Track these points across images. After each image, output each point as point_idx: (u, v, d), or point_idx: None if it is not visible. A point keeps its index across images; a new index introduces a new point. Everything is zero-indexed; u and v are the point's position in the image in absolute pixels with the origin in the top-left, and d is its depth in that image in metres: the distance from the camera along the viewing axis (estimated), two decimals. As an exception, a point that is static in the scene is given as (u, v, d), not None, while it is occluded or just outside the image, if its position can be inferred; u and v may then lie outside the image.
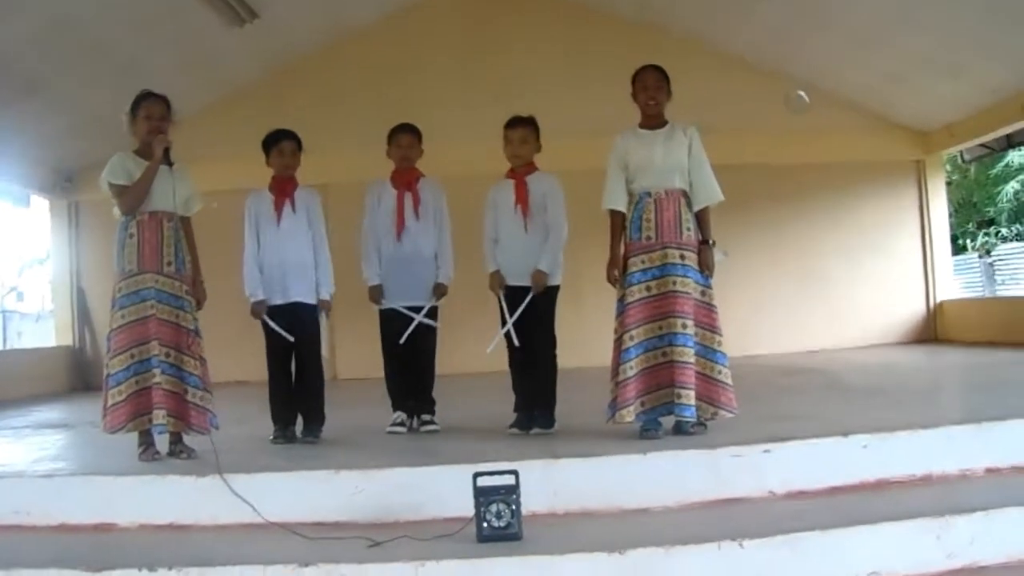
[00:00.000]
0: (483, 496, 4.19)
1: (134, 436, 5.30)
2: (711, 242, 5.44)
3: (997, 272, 18.88)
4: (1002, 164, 20.63)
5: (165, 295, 5.32)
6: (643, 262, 5.34)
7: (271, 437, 5.88)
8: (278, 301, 5.92)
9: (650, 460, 4.78)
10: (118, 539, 4.54)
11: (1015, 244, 20.36)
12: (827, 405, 6.57)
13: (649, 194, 5.38)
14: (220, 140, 11.56)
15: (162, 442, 5.37)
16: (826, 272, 12.93)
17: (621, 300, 5.42)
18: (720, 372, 5.34)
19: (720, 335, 5.38)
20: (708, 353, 5.33)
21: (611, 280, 5.48)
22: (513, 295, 5.84)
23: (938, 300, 13.26)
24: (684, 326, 5.24)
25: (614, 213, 5.47)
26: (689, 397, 5.21)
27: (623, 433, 5.36)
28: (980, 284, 18.86)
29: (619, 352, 5.34)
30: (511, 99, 11.50)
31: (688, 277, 5.31)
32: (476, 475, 4.24)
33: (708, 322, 5.36)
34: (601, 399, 5.59)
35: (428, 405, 6.24)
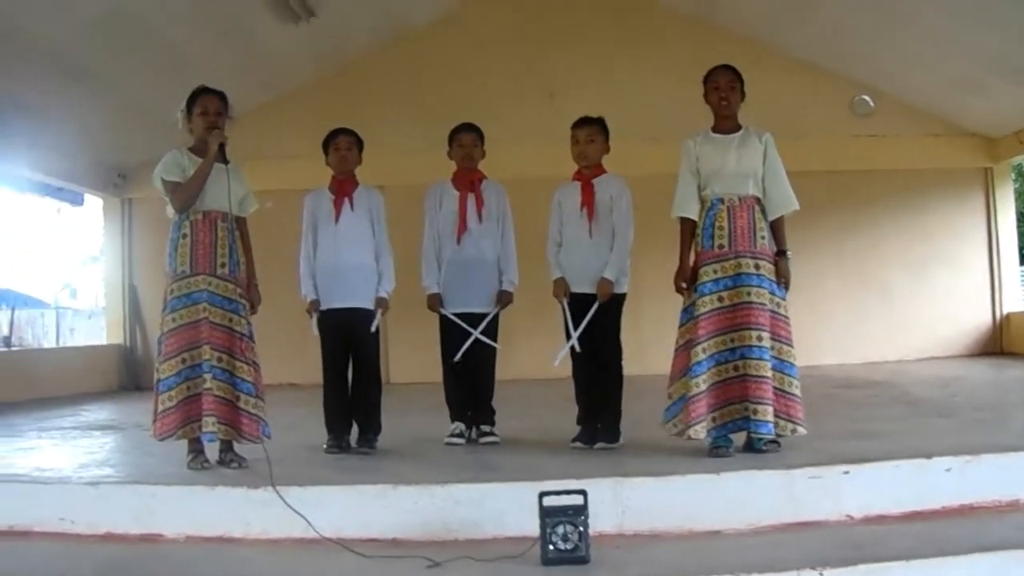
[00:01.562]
0: (549, 517, 3.97)
1: (183, 443, 5.14)
2: (787, 253, 5.18)
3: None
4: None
5: (218, 298, 5.15)
6: (715, 271, 5.10)
7: (325, 446, 5.69)
8: (335, 304, 5.74)
9: (723, 480, 4.54)
10: (164, 551, 4.38)
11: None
12: (901, 422, 6.25)
13: (722, 201, 5.14)
14: (274, 140, 11.50)
15: (212, 450, 5.21)
16: (889, 281, 12.56)
17: (688, 310, 5.18)
18: (794, 385, 5.09)
19: (793, 347, 5.13)
20: (782, 366, 5.08)
21: (678, 290, 5.24)
22: (578, 302, 5.61)
23: (1005, 312, 12.81)
24: (760, 339, 4.99)
25: (684, 220, 5.23)
26: (767, 413, 4.96)
27: (692, 449, 5.13)
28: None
29: (685, 364, 5.10)
30: (568, 98, 11.58)
31: (763, 288, 5.06)
32: (542, 494, 4.01)
33: (781, 333, 5.11)
34: (656, 413, 5.35)
35: (488, 415, 6.02)
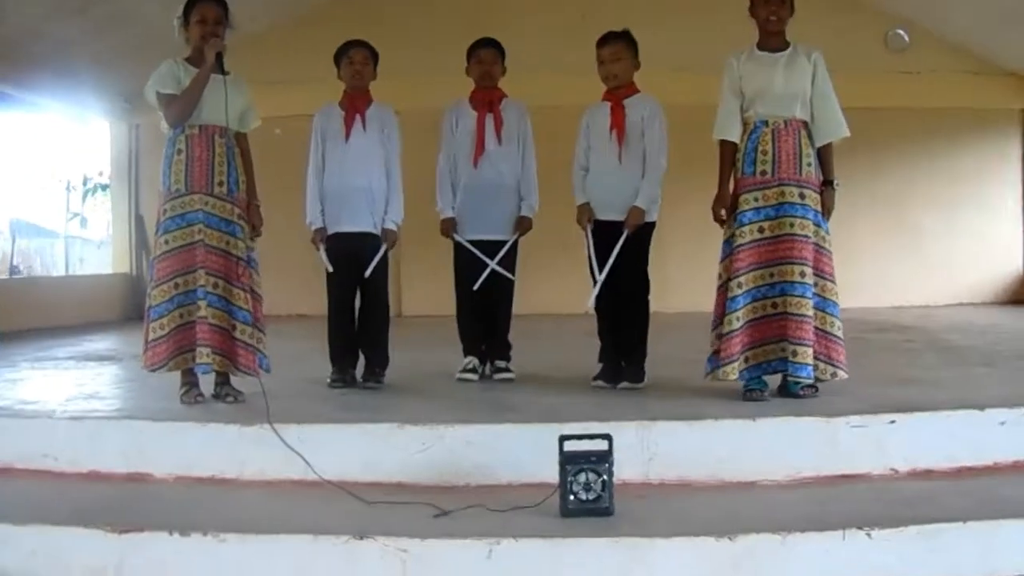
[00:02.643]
0: (570, 464, 3.60)
1: (176, 375, 4.79)
2: (835, 182, 4.76)
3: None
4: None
5: (215, 219, 4.75)
6: (756, 200, 4.67)
7: (328, 380, 5.33)
8: (344, 228, 5.34)
9: (760, 427, 4.17)
10: (151, 492, 4.04)
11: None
12: (943, 370, 5.84)
13: (766, 123, 4.70)
14: (283, 64, 11.01)
15: (207, 383, 4.86)
16: (919, 223, 12.10)
17: (728, 241, 4.77)
18: (836, 326, 4.69)
19: (835, 284, 4.73)
20: (825, 304, 4.68)
21: (717, 218, 4.83)
22: (602, 231, 5.20)
23: (1036, 258, 12.39)
24: (803, 274, 4.58)
25: (725, 144, 4.79)
26: (807, 355, 4.57)
27: (722, 391, 4.76)
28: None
29: (723, 300, 4.70)
30: (599, 23, 11.08)
31: (808, 219, 4.64)
32: (562, 438, 3.65)
33: (825, 269, 4.70)
34: (690, 349, 5.21)
35: (503, 350, 5.65)
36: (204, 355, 4.64)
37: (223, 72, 4.79)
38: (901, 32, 11.85)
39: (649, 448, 4.06)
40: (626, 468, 3.89)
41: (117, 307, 11.95)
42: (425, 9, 11.66)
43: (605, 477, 3.59)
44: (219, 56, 4.76)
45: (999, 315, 10.50)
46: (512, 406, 4.67)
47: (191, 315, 4.68)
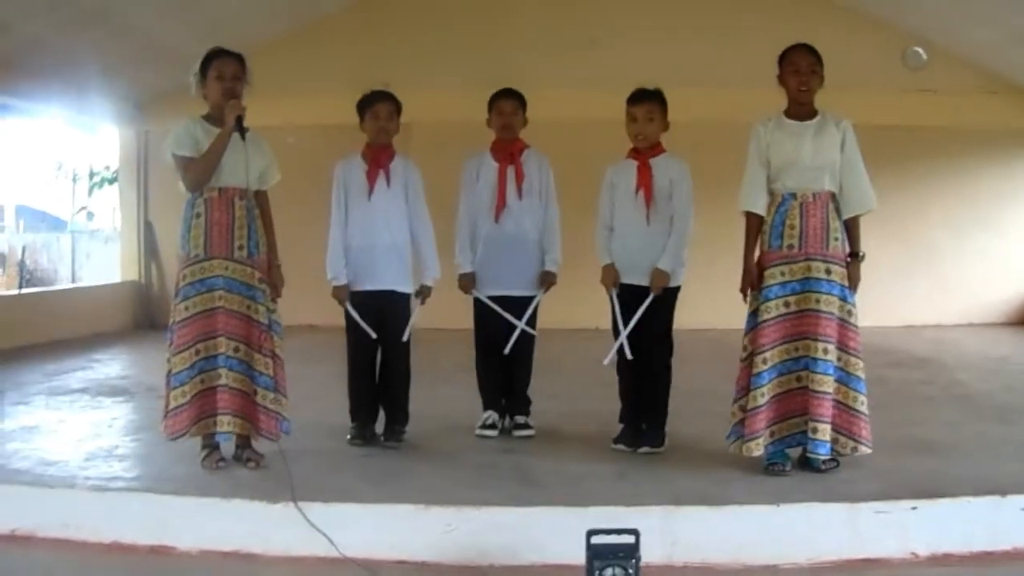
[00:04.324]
0: (598, 559, 3.58)
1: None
2: (860, 255, 4.73)
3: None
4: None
5: (235, 283, 4.71)
6: (783, 274, 4.64)
7: (348, 437, 5.31)
8: (365, 287, 5.30)
9: (783, 512, 4.16)
10: (176, 565, 4.07)
11: None
12: (960, 429, 5.80)
13: (794, 196, 4.66)
14: (295, 73, 10.91)
15: (227, 443, 4.85)
16: (932, 244, 12.06)
17: (753, 315, 4.74)
18: (860, 401, 4.65)
19: (861, 359, 4.69)
20: (848, 380, 4.65)
21: (744, 292, 4.80)
22: (628, 294, 5.17)
23: (1050, 281, 12.36)
24: (826, 351, 4.56)
25: (751, 216, 4.75)
26: (825, 432, 4.55)
27: (744, 461, 4.73)
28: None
29: (748, 374, 4.68)
30: (609, 42, 11.06)
31: (833, 295, 4.61)
32: (591, 533, 3.63)
33: (850, 345, 4.66)
34: (708, 394, 5.34)
35: (522, 405, 5.63)
36: (225, 423, 4.64)
37: (242, 132, 4.71)
38: (919, 50, 11.75)
39: (673, 533, 4.05)
40: (649, 551, 3.84)
41: (127, 316, 11.98)
42: (436, 19, 11.58)
43: (632, 572, 3.58)
44: (238, 116, 4.69)
45: (1010, 341, 10.55)
46: (535, 478, 4.65)
47: (212, 381, 4.66)
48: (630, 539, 3.62)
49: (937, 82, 11.67)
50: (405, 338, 5.31)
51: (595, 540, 3.62)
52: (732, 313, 9.52)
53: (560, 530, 3.96)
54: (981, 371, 8.33)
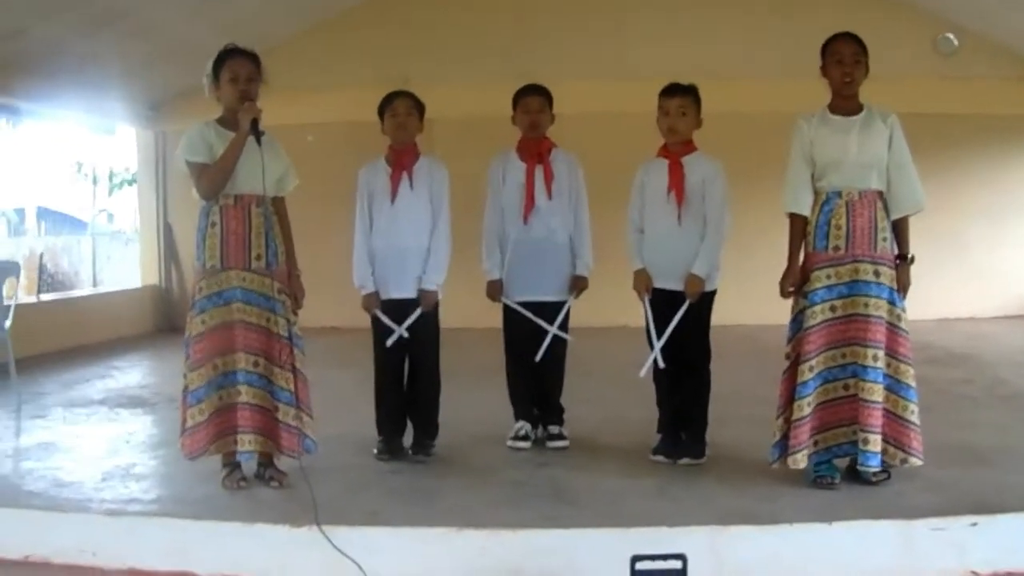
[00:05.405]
0: (642, 587, 3.39)
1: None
2: (910, 257, 4.50)
3: None
4: None
5: (253, 295, 4.51)
6: (829, 277, 4.40)
7: (375, 451, 5.11)
8: (392, 294, 5.08)
9: (835, 531, 3.92)
10: (197, 592, 3.88)
11: None
12: (1011, 433, 5.59)
13: (840, 195, 4.41)
14: (314, 69, 10.81)
15: (249, 463, 4.66)
16: (965, 234, 11.74)
17: (797, 321, 4.50)
18: (911, 411, 4.40)
19: (912, 366, 4.45)
20: (898, 388, 4.40)
21: (785, 294, 4.56)
22: (661, 299, 4.95)
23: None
24: (875, 358, 4.32)
25: (795, 217, 4.50)
26: (876, 443, 4.31)
27: (790, 475, 4.49)
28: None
29: (792, 384, 4.44)
30: (634, 33, 10.82)
31: (882, 298, 4.37)
32: (635, 559, 3.42)
33: (900, 351, 4.41)
34: (746, 396, 5.27)
35: (556, 415, 5.42)
36: (246, 442, 4.44)
37: (258, 136, 4.50)
38: (950, 36, 11.48)
39: (719, 555, 3.83)
40: (696, 574, 3.66)
41: (148, 320, 11.90)
42: (458, 12, 11.33)
43: (679, 600, 3.38)
44: (254, 120, 4.48)
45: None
46: (572, 496, 4.44)
47: (231, 398, 4.46)
48: (677, 564, 3.42)
49: (970, 69, 11.38)
50: (390, 343, 5.05)
51: (640, 566, 3.41)
52: (763, 308, 9.43)
53: (601, 553, 3.75)
54: (1023, 369, 8.06)
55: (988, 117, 11.55)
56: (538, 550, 3.86)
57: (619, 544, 3.68)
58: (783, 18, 10.73)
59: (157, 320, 11.99)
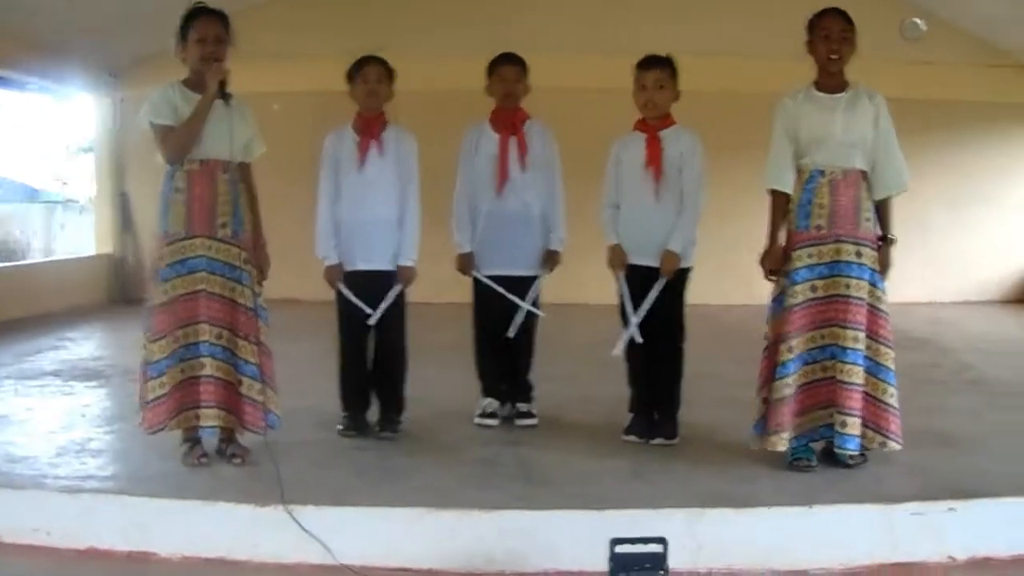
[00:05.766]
0: (623, 570, 3.29)
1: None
2: (892, 239, 4.43)
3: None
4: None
5: (218, 264, 4.33)
6: (810, 256, 4.32)
7: (340, 427, 4.97)
8: (358, 266, 4.92)
9: (815, 514, 3.87)
10: (156, 572, 3.75)
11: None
12: (980, 420, 5.59)
13: (823, 173, 4.32)
14: (282, 37, 10.43)
15: (210, 439, 4.49)
16: (927, 219, 11.72)
17: (778, 301, 4.42)
18: (890, 394, 4.35)
19: (892, 349, 4.39)
20: (877, 370, 4.34)
21: (767, 274, 4.47)
22: (636, 275, 4.84)
23: (1046, 257, 12.16)
24: (856, 339, 4.25)
25: (777, 194, 4.42)
26: (855, 426, 4.25)
27: (767, 457, 4.42)
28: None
29: (772, 364, 4.37)
30: (613, 7, 10.63)
31: (863, 279, 4.31)
32: (614, 542, 3.32)
33: (880, 332, 4.36)
34: (718, 378, 5.28)
35: (525, 392, 5.30)
36: (209, 417, 4.28)
37: (226, 98, 4.34)
38: (918, 21, 11.45)
39: (697, 537, 3.75)
40: (673, 557, 3.54)
41: (102, 290, 11.59)
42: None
43: (659, 583, 3.29)
44: (221, 82, 4.32)
45: (1011, 320, 10.38)
46: (544, 475, 4.34)
47: (194, 371, 4.29)
48: (658, 548, 3.33)
49: (935, 54, 11.37)
50: (373, 320, 4.89)
51: (619, 549, 3.32)
52: (731, 289, 9.42)
53: (576, 535, 3.68)
54: (988, 353, 8.08)
55: (952, 103, 11.56)
56: (512, 531, 3.75)
57: (596, 526, 3.60)
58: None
59: (111, 290, 11.69)
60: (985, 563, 3.87)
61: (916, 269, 11.55)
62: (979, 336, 9.17)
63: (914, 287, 11.51)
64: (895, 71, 11.17)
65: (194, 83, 4.38)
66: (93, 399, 5.99)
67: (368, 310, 4.87)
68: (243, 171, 4.51)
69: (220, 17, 4.40)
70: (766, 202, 4.53)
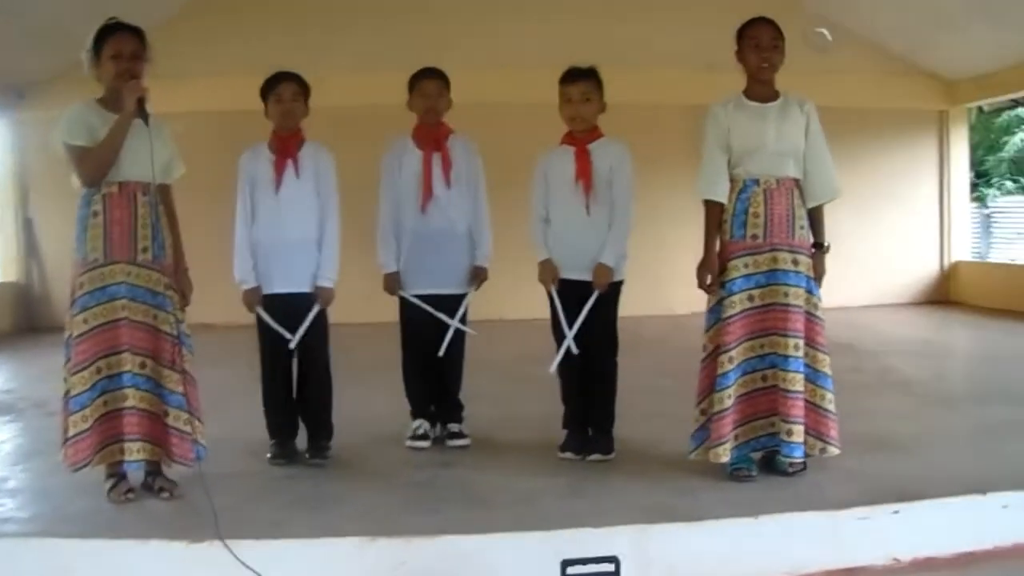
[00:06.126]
0: (574, 594, 3.23)
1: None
2: (826, 246, 4.45)
3: (994, 225, 17.85)
4: (1013, 114, 19.26)
5: (140, 291, 4.15)
6: (747, 265, 4.31)
7: (269, 455, 4.81)
8: (276, 289, 4.77)
9: (762, 524, 3.85)
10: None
11: (1017, 198, 19.17)
12: (910, 420, 5.69)
13: (757, 183, 4.32)
14: (193, 55, 10.16)
15: (136, 473, 4.28)
16: (838, 224, 11.75)
17: (714, 311, 4.40)
18: (828, 400, 4.37)
19: (828, 355, 4.41)
20: (816, 376, 4.35)
21: (702, 285, 4.44)
22: (569, 290, 4.78)
23: (952, 260, 12.51)
24: (796, 347, 4.26)
25: (711, 204, 4.40)
26: (800, 434, 4.26)
27: (706, 467, 4.40)
28: (977, 236, 17.81)
29: (713, 376, 4.34)
30: (544, 20, 10.55)
31: (800, 287, 4.32)
32: (565, 564, 3.26)
33: (817, 339, 4.38)
34: (653, 391, 5.24)
35: (455, 412, 5.20)
36: (134, 451, 4.08)
37: (145, 117, 4.16)
38: (824, 31, 11.64)
39: (647, 553, 3.69)
40: (625, 574, 3.53)
41: (7, 319, 11.15)
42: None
43: (611, 604, 3.23)
44: (140, 99, 4.14)
45: (925, 322, 10.70)
46: (484, 497, 4.22)
47: (117, 403, 4.09)
48: (609, 567, 3.29)
49: (841, 63, 11.59)
50: (294, 344, 4.75)
51: (571, 571, 3.27)
52: (650, 300, 9.42)
53: (527, 558, 3.59)
54: (907, 355, 8.26)
55: (860, 111, 11.76)
56: (459, 556, 3.65)
57: (545, 547, 3.54)
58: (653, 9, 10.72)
59: (17, 318, 11.26)
60: (928, 563, 3.91)
61: (829, 274, 11.78)
62: (897, 339, 9.38)
63: (828, 292, 11.67)
64: (803, 80, 11.25)
65: (109, 101, 4.20)
66: (6, 435, 5.70)
67: (288, 335, 4.73)
68: (163, 193, 4.34)
69: (136, 32, 4.24)
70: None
